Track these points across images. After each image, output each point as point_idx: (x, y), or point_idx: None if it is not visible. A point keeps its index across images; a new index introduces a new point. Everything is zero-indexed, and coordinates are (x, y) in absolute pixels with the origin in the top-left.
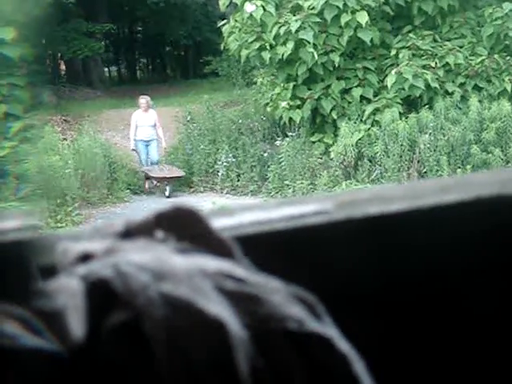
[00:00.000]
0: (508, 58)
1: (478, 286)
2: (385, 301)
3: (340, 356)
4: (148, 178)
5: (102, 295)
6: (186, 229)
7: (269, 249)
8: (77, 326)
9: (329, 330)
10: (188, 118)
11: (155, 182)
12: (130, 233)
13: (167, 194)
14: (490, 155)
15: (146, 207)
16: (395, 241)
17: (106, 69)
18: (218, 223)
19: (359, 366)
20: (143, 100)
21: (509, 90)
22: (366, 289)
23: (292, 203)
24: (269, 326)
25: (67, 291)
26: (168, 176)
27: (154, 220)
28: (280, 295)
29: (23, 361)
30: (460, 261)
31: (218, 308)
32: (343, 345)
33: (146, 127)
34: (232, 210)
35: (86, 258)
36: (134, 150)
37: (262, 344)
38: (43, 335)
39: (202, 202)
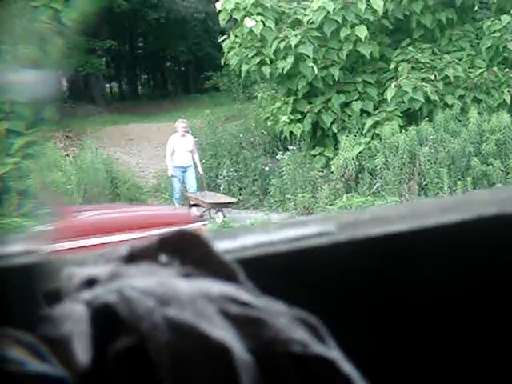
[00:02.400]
0: (507, 70)
1: (479, 304)
2: (387, 321)
3: (344, 378)
4: (195, 204)
5: (107, 320)
6: (190, 253)
7: (272, 271)
8: (82, 351)
9: (332, 352)
10: (190, 133)
11: (205, 209)
12: (133, 257)
13: (220, 220)
14: (490, 167)
15: None
16: (397, 261)
17: (108, 85)
18: (221, 246)
19: None
20: (183, 124)
21: (508, 101)
22: (369, 309)
23: (294, 225)
24: (273, 349)
25: (72, 317)
26: (221, 202)
27: (157, 244)
28: (284, 318)
29: None
30: (461, 280)
31: (222, 332)
32: (347, 367)
33: (184, 153)
34: (234, 233)
35: (90, 282)
36: (173, 176)
37: (267, 367)
38: (49, 361)
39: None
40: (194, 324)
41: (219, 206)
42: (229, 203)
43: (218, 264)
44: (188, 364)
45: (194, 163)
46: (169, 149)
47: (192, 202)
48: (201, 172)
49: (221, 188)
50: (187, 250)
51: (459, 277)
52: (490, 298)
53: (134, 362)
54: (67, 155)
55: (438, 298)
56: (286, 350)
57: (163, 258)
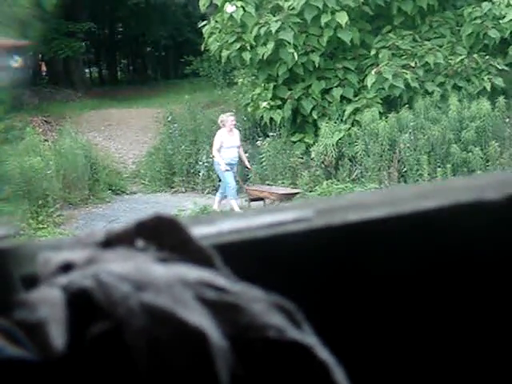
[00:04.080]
0: (487, 57)
1: (455, 290)
2: (366, 307)
3: (320, 364)
4: (257, 198)
5: (83, 305)
6: (166, 238)
7: (249, 257)
8: (58, 336)
9: (308, 337)
10: (169, 119)
11: (272, 201)
12: (110, 242)
13: None
14: (470, 154)
15: (128, 207)
16: (374, 247)
17: (87, 70)
18: (197, 232)
19: (339, 374)
20: (231, 118)
21: (488, 89)
22: (345, 295)
23: (272, 211)
24: (249, 334)
25: (48, 302)
26: (290, 193)
27: (134, 229)
28: (260, 304)
29: (5, 371)
30: (439, 266)
31: (199, 317)
32: (323, 353)
33: (232, 148)
34: (212, 218)
35: (67, 267)
36: (226, 170)
37: (243, 353)
38: (25, 346)
39: (184, 202)
40: (170, 309)
41: (288, 197)
42: (296, 193)
43: (194, 249)
44: (164, 349)
45: (240, 159)
46: (216, 144)
47: (253, 196)
48: (249, 167)
49: (200, 174)
50: (164, 236)
51: (436, 263)
52: (465, 284)
53: (109, 347)
54: (46, 140)
55: (414, 284)
56: (262, 336)
57: (140, 243)
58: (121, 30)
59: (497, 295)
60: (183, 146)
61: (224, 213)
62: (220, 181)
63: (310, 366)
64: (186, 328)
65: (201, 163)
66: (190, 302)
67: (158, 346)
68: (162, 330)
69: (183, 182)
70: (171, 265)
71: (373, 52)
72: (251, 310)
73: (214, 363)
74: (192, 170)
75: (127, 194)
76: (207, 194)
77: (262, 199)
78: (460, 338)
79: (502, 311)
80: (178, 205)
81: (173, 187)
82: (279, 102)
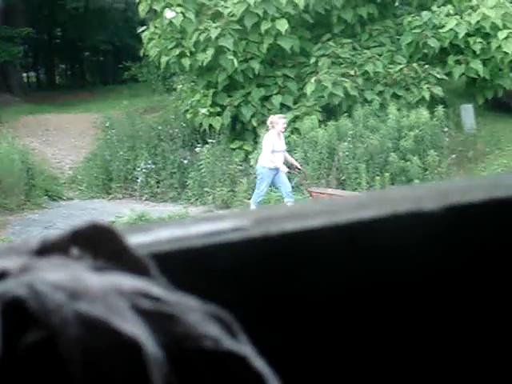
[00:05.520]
0: (426, 66)
1: (395, 300)
2: (302, 318)
3: (255, 374)
4: None
5: (17, 314)
6: (102, 246)
7: (186, 266)
8: None
9: (244, 348)
10: (107, 124)
11: None
12: (45, 250)
13: None
14: (408, 163)
15: (64, 214)
16: (312, 257)
17: (25, 74)
18: (134, 240)
19: None
20: (283, 120)
21: (427, 98)
22: (282, 305)
23: (209, 219)
24: (185, 345)
25: None
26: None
27: (69, 237)
28: (196, 314)
29: None
30: (376, 277)
31: (134, 327)
32: (259, 363)
33: (280, 153)
34: (148, 227)
35: (0, 276)
36: (262, 178)
37: (178, 363)
38: None
39: (121, 208)
40: (106, 319)
41: None
42: None
43: (130, 258)
44: (99, 359)
45: (287, 163)
46: (269, 147)
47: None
48: (300, 167)
49: (138, 180)
50: (100, 244)
51: (375, 272)
52: (401, 294)
53: (43, 357)
54: None
55: (355, 294)
56: (198, 346)
57: (75, 250)
58: (59, 34)
59: (433, 305)
60: (121, 152)
61: (161, 221)
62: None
63: (246, 376)
64: (121, 338)
65: (139, 169)
66: (126, 311)
67: (92, 356)
68: (97, 340)
69: (121, 188)
70: (107, 274)
71: (312, 60)
72: (187, 320)
73: (150, 374)
74: (130, 177)
75: (64, 200)
76: (145, 200)
77: None
78: (402, 354)
79: (439, 319)
80: (116, 211)
81: (110, 193)
82: (218, 109)
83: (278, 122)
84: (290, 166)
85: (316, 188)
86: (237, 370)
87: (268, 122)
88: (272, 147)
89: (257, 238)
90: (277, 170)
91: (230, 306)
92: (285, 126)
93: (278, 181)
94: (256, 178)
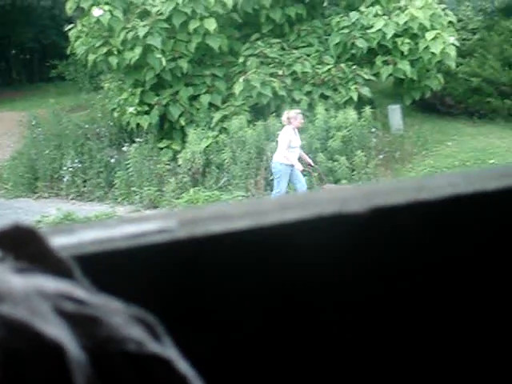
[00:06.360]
0: (354, 67)
1: (324, 302)
2: (228, 318)
3: (179, 377)
4: None
5: None
6: (25, 248)
7: (110, 268)
8: None
9: (168, 351)
10: (33, 123)
11: None
12: None
13: None
14: (336, 163)
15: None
16: (237, 259)
17: None
18: (57, 242)
19: None
20: (300, 116)
21: (355, 98)
22: (209, 307)
23: (134, 221)
24: (108, 348)
25: None
26: None
27: None
28: (120, 316)
29: None
30: (302, 278)
31: (57, 330)
32: (183, 366)
33: (296, 149)
34: (72, 228)
35: None
36: (279, 176)
37: (101, 366)
38: None
39: (47, 208)
40: (28, 321)
41: None
42: None
43: (53, 260)
44: (21, 362)
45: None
46: (286, 143)
47: None
48: (312, 164)
49: (64, 179)
50: (22, 245)
51: (300, 274)
52: (324, 297)
53: None
54: None
55: (280, 295)
56: (121, 349)
57: None
58: None
59: (358, 306)
60: (47, 151)
61: (86, 222)
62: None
63: (170, 379)
64: (43, 341)
65: (65, 168)
66: (48, 314)
67: (14, 359)
68: (19, 343)
69: (47, 187)
70: (29, 276)
71: (241, 59)
72: (110, 323)
73: (72, 377)
74: (56, 176)
75: None
76: (71, 199)
77: None
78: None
79: (365, 318)
80: (42, 210)
81: (36, 192)
82: (146, 108)
83: (295, 118)
84: (302, 162)
85: (329, 185)
86: (161, 373)
87: (284, 118)
88: (288, 143)
89: (182, 239)
90: (292, 166)
91: (155, 308)
92: (302, 121)
93: (293, 178)
94: (273, 176)
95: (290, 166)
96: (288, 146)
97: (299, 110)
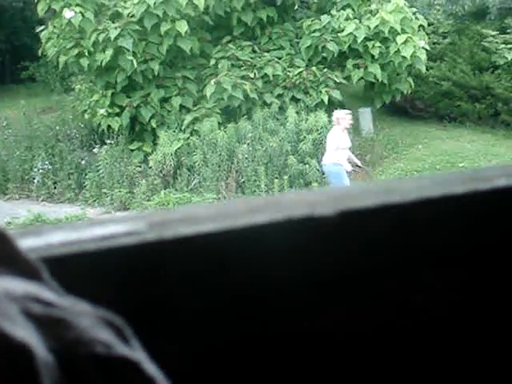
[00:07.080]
0: (325, 70)
1: (295, 306)
2: (197, 321)
3: (147, 379)
4: None
5: None
6: None
7: (78, 271)
8: None
9: (137, 353)
10: (4, 124)
11: None
12: None
13: None
14: (307, 166)
15: None
16: (207, 261)
17: None
18: (25, 243)
19: None
20: (349, 116)
21: (325, 101)
22: (179, 311)
23: (103, 223)
24: (76, 350)
25: None
26: None
27: None
28: (88, 319)
29: None
30: (271, 280)
31: (24, 332)
32: (151, 368)
33: (346, 150)
34: (41, 230)
35: None
36: (333, 177)
37: (69, 369)
38: None
39: (17, 209)
40: None
41: None
42: None
43: (21, 262)
44: None
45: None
46: (334, 145)
47: None
48: (361, 165)
49: (35, 181)
50: None
51: (269, 277)
52: (294, 302)
53: None
54: None
55: (250, 299)
56: (89, 351)
57: None
58: None
59: (328, 310)
60: (18, 152)
61: (54, 224)
62: None
63: (138, 381)
64: (10, 342)
65: (36, 170)
66: (16, 315)
67: None
68: None
69: (17, 188)
70: None
71: (212, 62)
72: (78, 325)
73: (40, 379)
74: (27, 177)
75: None
76: (42, 201)
77: None
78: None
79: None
80: (12, 212)
81: (7, 194)
82: (117, 110)
83: (344, 118)
84: (350, 162)
85: None
86: (129, 376)
87: (333, 118)
88: (337, 144)
89: (151, 242)
90: (341, 166)
91: (123, 310)
92: (351, 122)
93: (341, 178)
94: (327, 180)
95: (340, 165)
96: (337, 147)
97: (348, 110)
